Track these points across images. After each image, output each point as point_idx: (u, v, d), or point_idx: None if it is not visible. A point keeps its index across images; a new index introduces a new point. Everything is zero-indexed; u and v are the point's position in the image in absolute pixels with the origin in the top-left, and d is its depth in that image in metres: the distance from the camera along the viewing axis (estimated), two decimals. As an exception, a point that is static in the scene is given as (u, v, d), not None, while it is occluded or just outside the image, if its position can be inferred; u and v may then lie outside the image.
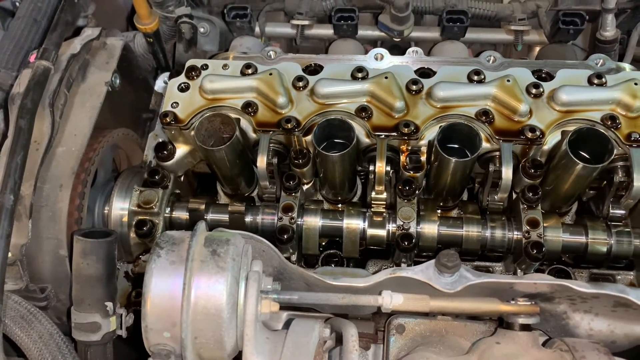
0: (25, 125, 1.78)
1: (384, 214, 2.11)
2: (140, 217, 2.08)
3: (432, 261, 1.68)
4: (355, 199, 2.32)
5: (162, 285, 1.48)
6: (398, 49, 2.69)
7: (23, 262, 1.79)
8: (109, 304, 1.72)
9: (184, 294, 1.46)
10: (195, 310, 1.47)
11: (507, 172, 1.96)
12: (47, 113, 1.91)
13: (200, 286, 1.48)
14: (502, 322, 1.78)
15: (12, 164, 1.71)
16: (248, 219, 2.15)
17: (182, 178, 2.30)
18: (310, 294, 1.66)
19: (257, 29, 2.72)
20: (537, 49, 2.71)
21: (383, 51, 2.29)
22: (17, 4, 2.58)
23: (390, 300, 1.63)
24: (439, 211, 2.14)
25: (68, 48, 2.07)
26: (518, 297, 1.72)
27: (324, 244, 2.25)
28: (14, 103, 1.91)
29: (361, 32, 2.71)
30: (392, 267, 2.17)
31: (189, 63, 2.20)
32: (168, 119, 2.09)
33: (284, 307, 1.66)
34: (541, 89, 2.06)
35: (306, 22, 2.68)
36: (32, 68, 1.92)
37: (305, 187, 2.20)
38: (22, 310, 1.60)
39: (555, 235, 2.02)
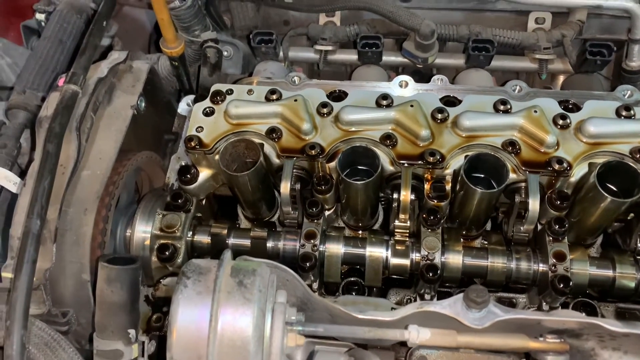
0: (53, 149, 1.79)
1: (407, 243, 2.09)
2: (162, 241, 2.07)
3: (460, 295, 1.66)
4: (376, 226, 2.30)
5: (188, 316, 1.47)
6: (419, 75, 2.69)
7: (46, 287, 1.78)
8: (132, 332, 1.71)
9: (210, 325, 1.44)
10: (221, 343, 1.45)
11: (534, 204, 1.94)
12: (74, 137, 1.92)
13: (226, 318, 1.47)
14: (528, 357, 1.75)
15: (39, 189, 1.71)
16: (270, 244, 2.14)
17: (203, 201, 2.30)
18: (335, 327, 1.64)
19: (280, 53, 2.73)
20: (561, 77, 2.70)
21: (407, 78, 2.29)
22: (43, 23, 2.61)
23: (417, 335, 1.61)
24: (462, 241, 2.12)
25: (95, 71, 2.08)
26: (545, 332, 1.69)
27: (343, 271, 2.23)
28: (42, 126, 1.93)
29: (383, 58, 2.71)
30: (415, 297, 2.14)
31: (214, 88, 2.21)
32: (193, 144, 2.09)
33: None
34: (568, 120, 2.05)
35: (329, 48, 2.69)
36: (60, 92, 1.94)
37: (327, 212, 2.18)
38: (46, 337, 1.59)
39: (582, 269, 1.99)
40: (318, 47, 2.70)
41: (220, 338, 1.45)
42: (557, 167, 1.96)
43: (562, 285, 1.89)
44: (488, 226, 2.28)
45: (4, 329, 1.54)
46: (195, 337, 1.46)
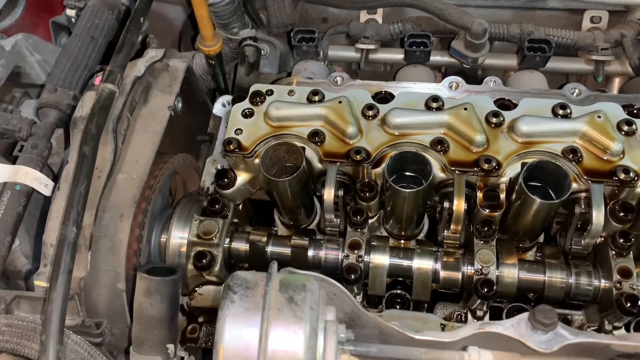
0: (89, 152, 1.69)
1: (457, 255, 1.96)
2: (199, 249, 1.97)
3: (524, 315, 1.53)
4: (420, 236, 2.18)
5: (236, 335, 1.36)
6: (464, 76, 2.56)
7: (81, 297, 1.69)
8: (171, 346, 1.61)
9: (260, 345, 1.33)
10: (271, 365, 1.34)
11: (598, 217, 1.80)
12: (110, 138, 1.82)
13: (277, 338, 1.35)
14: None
15: (75, 194, 1.61)
16: (311, 253, 2.03)
17: (240, 206, 2.19)
18: (389, 347, 1.53)
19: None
20: (617, 80, 2.55)
21: (458, 80, 2.16)
22: (73, 19, 2.53)
23: (479, 357, 1.49)
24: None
25: (132, 70, 1.99)
26: (613, 355, 1.56)
27: (387, 283, 2.12)
28: (77, 127, 1.83)
29: (426, 58, 2.58)
30: (465, 312, 2.02)
31: (253, 88, 2.10)
32: (232, 147, 1.99)
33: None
34: (634, 127, 1.91)
35: (372, 47, 2.56)
36: (96, 91, 1.84)
37: (370, 221, 2.07)
38: (82, 352, 1.50)
39: (649, 286, 1.85)
40: (360, 46, 2.58)
41: (270, 359, 1.34)
42: (623, 176, 1.82)
43: (629, 305, 1.75)
44: (540, 237, 2.15)
45: (39, 343, 1.45)
46: (244, 358, 1.35)
